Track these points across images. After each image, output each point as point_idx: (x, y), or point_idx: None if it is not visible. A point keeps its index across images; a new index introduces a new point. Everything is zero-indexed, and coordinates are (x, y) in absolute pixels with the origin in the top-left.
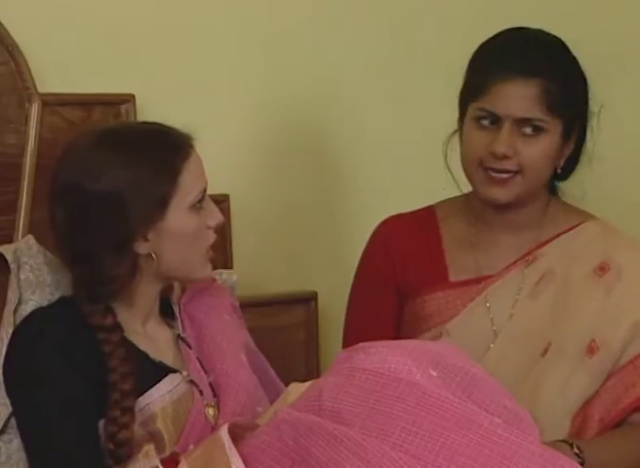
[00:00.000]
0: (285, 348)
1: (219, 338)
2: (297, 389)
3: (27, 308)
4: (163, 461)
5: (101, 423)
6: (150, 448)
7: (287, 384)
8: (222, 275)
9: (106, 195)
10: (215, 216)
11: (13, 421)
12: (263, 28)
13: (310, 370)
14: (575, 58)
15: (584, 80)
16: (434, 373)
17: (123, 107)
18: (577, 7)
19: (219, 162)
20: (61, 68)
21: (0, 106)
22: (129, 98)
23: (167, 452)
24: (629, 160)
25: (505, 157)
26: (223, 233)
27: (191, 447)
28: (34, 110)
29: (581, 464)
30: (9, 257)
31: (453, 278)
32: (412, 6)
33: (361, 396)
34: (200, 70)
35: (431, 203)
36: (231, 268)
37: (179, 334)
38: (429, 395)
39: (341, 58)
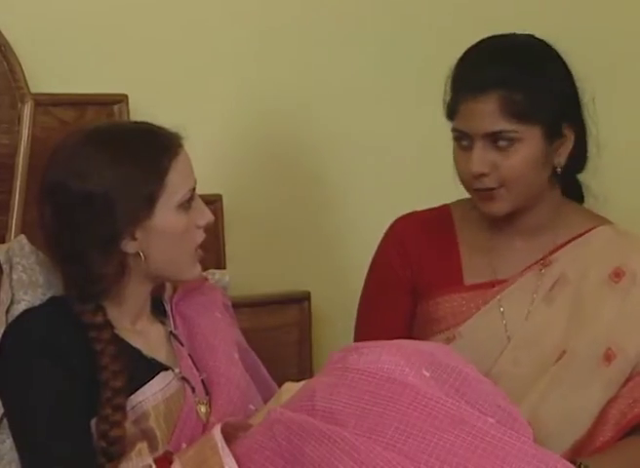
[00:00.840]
0: (278, 348)
1: (210, 336)
2: (290, 389)
3: (20, 308)
4: (156, 461)
5: (94, 422)
6: (143, 446)
7: (280, 384)
8: (215, 275)
9: (93, 194)
10: (204, 216)
11: (5, 422)
12: (255, 29)
13: (303, 370)
14: (552, 57)
15: (568, 76)
16: (427, 374)
17: (116, 107)
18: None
19: (211, 162)
20: (54, 68)
21: None
22: (122, 99)
23: (160, 450)
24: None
25: (483, 175)
26: (216, 233)
27: (184, 445)
28: (27, 110)
29: None
30: (1, 258)
31: (467, 281)
32: (409, 3)
33: (354, 396)
34: (193, 71)
35: (429, 204)
36: (224, 268)
37: (171, 331)
38: (422, 395)
39: (335, 58)
